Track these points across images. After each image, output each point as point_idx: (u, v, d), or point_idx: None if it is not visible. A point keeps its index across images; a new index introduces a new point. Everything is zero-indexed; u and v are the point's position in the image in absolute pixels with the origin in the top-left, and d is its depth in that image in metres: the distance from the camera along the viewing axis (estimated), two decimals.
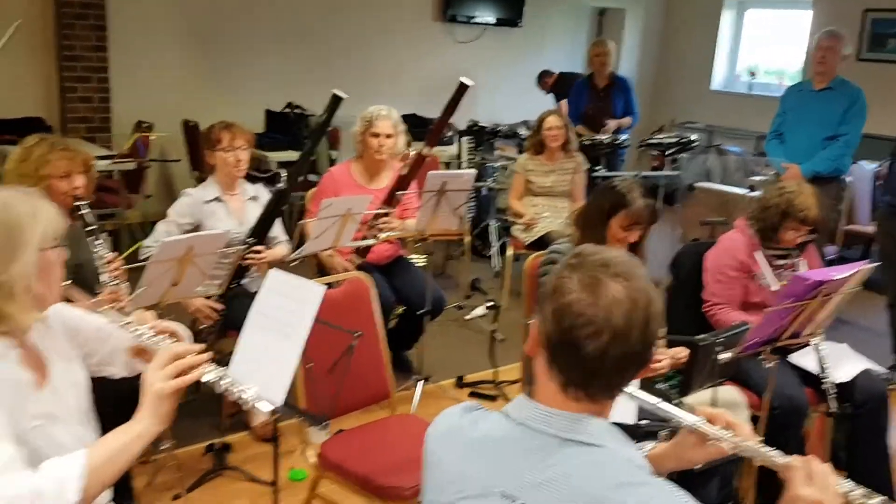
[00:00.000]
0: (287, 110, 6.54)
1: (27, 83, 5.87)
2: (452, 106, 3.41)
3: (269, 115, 6.51)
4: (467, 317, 4.58)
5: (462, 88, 3.37)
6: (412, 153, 3.54)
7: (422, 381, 3.58)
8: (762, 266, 2.87)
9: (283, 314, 2.00)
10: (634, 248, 2.69)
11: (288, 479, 2.99)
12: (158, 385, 1.35)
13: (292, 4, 6.90)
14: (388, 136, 3.60)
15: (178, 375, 1.37)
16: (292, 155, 6.17)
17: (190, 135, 6.25)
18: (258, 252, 3.19)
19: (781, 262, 2.92)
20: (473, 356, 4.17)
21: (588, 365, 1.09)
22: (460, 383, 3.82)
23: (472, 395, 3.75)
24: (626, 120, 5.79)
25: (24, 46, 5.66)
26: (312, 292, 1.99)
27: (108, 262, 2.64)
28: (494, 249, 5.51)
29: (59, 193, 2.51)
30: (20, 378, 1.46)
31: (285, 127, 6.31)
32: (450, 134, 6.44)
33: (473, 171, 3.64)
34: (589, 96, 5.84)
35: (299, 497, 2.66)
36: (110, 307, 2.32)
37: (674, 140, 5.47)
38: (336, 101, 3.16)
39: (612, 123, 5.66)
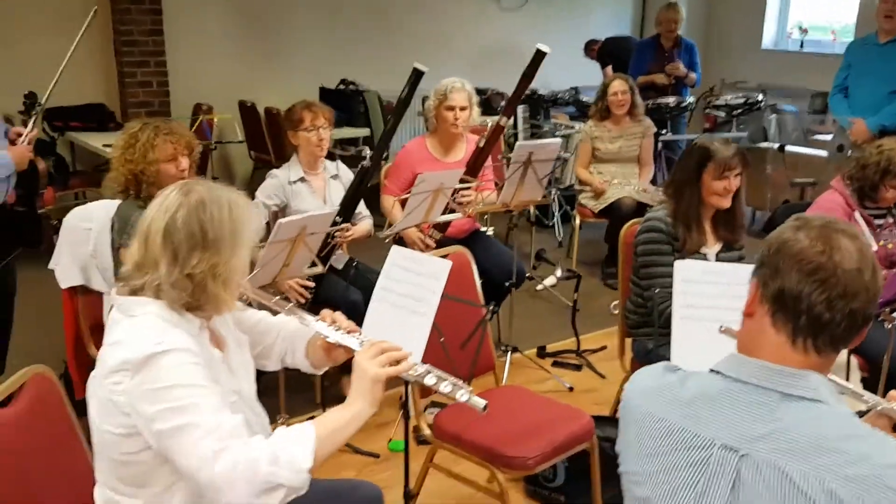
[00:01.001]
0: (341, 86, 6.56)
1: (88, 70, 5.93)
2: (530, 74, 3.38)
3: (324, 91, 6.53)
4: (539, 287, 4.62)
5: (539, 56, 3.34)
6: (489, 124, 3.53)
7: (510, 352, 3.62)
8: (862, 226, 2.84)
9: (411, 289, 2.05)
10: (734, 206, 2.69)
11: (388, 449, 3.07)
12: (374, 371, 1.49)
13: None
14: (463, 109, 3.60)
15: (389, 366, 1.51)
16: (349, 132, 6.20)
17: (246, 115, 6.31)
18: (345, 230, 3.22)
19: (880, 221, 2.89)
20: (547, 326, 4.20)
21: (819, 315, 1.13)
22: (542, 353, 3.85)
23: (556, 364, 3.77)
24: (693, 75, 5.77)
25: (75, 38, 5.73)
26: (439, 267, 2.03)
27: None
28: (556, 219, 5.50)
29: (168, 176, 2.55)
30: (214, 355, 1.54)
31: (341, 103, 6.32)
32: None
33: (559, 140, 3.63)
34: (654, 56, 5.82)
35: (402, 468, 2.72)
36: None
37: (741, 101, 5.40)
38: (417, 75, 3.16)
39: (680, 66, 5.65)
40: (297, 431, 1.41)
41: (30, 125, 2.92)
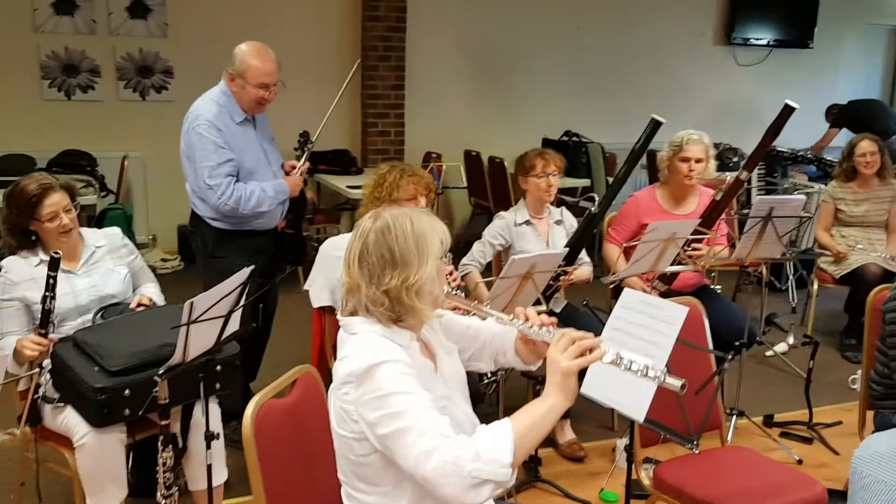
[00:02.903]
0: (565, 138, 6.69)
1: (338, 119, 6.57)
2: (776, 129, 3.27)
3: (546, 142, 6.70)
4: (769, 353, 4.35)
5: (787, 111, 3.22)
6: (727, 178, 3.44)
7: (735, 416, 3.44)
8: None
9: (643, 332, 2.03)
10: None
11: (599, 498, 3.02)
12: (565, 364, 1.50)
13: (569, 36, 7.10)
14: (699, 161, 3.54)
15: (579, 356, 1.51)
16: (569, 182, 6.27)
17: (470, 163, 6.63)
18: (566, 273, 3.26)
19: None
20: (776, 394, 3.94)
21: None
22: (769, 422, 3.60)
23: (784, 434, 3.51)
24: None
25: (337, 86, 6.38)
26: (675, 312, 2.00)
27: (449, 274, 2.90)
28: (791, 282, 5.17)
29: None
30: (424, 364, 1.66)
31: (563, 154, 6.42)
32: (735, 159, 6.19)
33: (802, 197, 3.45)
34: None
35: None
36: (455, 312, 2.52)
37: None
38: (655, 126, 3.17)
39: None
40: (496, 428, 1.46)
41: (302, 159, 3.33)
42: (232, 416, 2.69)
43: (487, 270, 3.50)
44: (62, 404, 2.38)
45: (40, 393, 2.43)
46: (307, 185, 3.49)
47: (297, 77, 5.94)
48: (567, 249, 3.10)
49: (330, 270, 3.17)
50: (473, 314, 2.04)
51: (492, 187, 6.36)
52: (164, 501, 2.18)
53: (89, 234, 2.71)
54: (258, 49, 3.12)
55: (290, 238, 3.38)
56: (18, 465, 2.70)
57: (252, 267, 2.16)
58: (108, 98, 5.97)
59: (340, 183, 5.88)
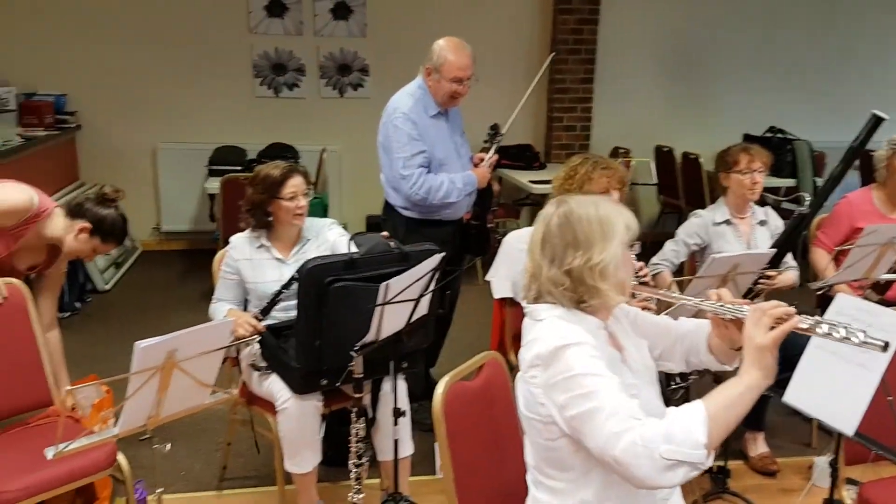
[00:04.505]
0: (768, 134, 6.29)
1: (523, 114, 6.50)
2: None
3: (748, 138, 6.32)
4: None
5: None
6: None
7: None
8: None
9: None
10: None
11: None
12: (758, 339, 1.43)
13: (772, 29, 6.67)
14: None
15: (773, 328, 1.43)
16: (772, 181, 5.88)
17: (661, 159, 6.39)
18: (770, 277, 3.05)
19: None
20: None
21: None
22: None
23: None
24: None
25: (526, 80, 6.41)
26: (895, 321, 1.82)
27: (638, 271, 2.81)
28: None
29: None
30: (611, 354, 1.63)
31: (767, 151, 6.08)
32: None
33: None
34: None
35: None
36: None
37: None
38: (876, 122, 2.87)
39: None
40: (688, 409, 1.41)
41: (491, 151, 3.38)
42: (414, 399, 2.79)
43: (679, 272, 3.36)
44: (269, 371, 2.58)
45: (250, 360, 2.65)
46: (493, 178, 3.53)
47: (488, 71, 6.06)
48: (773, 251, 2.91)
49: (513, 263, 3.19)
50: (664, 313, 1.97)
51: (684, 185, 6.11)
52: (355, 469, 2.30)
53: (307, 224, 2.86)
54: (455, 44, 3.20)
55: (475, 229, 3.43)
56: (227, 426, 2.97)
57: (444, 253, 2.22)
58: (311, 95, 6.38)
59: (523, 178, 5.89)
